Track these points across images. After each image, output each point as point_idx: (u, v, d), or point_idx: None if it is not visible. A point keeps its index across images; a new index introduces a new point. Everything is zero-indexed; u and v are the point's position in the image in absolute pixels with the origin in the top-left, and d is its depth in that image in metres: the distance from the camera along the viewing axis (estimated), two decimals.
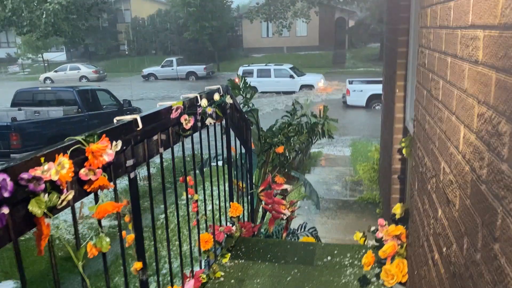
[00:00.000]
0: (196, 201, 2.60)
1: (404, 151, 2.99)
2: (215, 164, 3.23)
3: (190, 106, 2.48)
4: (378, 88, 17.51)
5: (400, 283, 2.41)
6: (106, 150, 1.55)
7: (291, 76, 22.35)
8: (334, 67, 32.08)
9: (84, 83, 30.28)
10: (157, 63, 32.52)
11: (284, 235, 4.12)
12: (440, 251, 1.44)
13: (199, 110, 2.53)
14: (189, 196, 2.54)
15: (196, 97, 2.59)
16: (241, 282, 2.84)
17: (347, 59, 34.43)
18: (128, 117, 1.92)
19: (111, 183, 1.63)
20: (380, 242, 2.87)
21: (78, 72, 32.05)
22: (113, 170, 1.70)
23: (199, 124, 2.58)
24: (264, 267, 3.02)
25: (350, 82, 17.91)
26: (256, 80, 21.59)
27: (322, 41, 37.74)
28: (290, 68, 22.95)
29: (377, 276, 2.89)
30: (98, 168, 1.54)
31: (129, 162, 1.86)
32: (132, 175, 1.89)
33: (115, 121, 1.87)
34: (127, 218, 1.93)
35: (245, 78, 3.91)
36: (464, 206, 1.14)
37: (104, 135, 1.57)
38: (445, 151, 1.38)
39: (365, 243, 3.42)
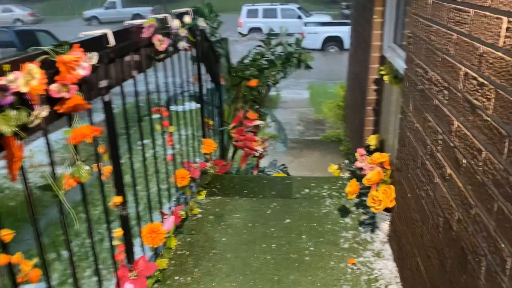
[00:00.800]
0: (171, 133, 2.40)
1: (386, 78, 2.90)
2: (185, 99, 2.99)
3: (161, 28, 2.22)
4: (333, 31, 17.35)
5: (386, 209, 2.39)
6: (81, 63, 1.30)
7: (299, 17, 20.45)
8: None
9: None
10: (99, 5, 30.34)
11: (255, 172, 4.04)
12: (455, 165, 1.36)
13: (172, 31, 2.27)
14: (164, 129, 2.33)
15: (167, 17, 2.32)
16: (220, 217, 2.74)
17: (299, 1, 33.77)
18: (97, 32, 1.65)
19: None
20: (359, 171, 2.84)
21: (11, 14, 29.36)
22: (86, 90, 1.46)
23: (170, 49, 2.33)
24: (242, 202, 2.92)
25: (305, 25, 17.62)
26: (261, 21, 20.30)
27: None
28: (298, 8, 21.45)
29: (357, 205, 2.88)
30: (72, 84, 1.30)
31: (103, 83, 1.62)
32: (106, 98, 1.66)
33: (80, 35, 1.60)
34: (102, 149, 1.71)
35: (211, 5, 3.60)
36: (506, 106, 1.03)
37: (77, 45, 1.32)
38: (471, 53, 1.26)
39: (340, 175, 3.40)
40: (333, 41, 17.20)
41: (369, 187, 2.54)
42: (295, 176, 3.27)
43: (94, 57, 1.39)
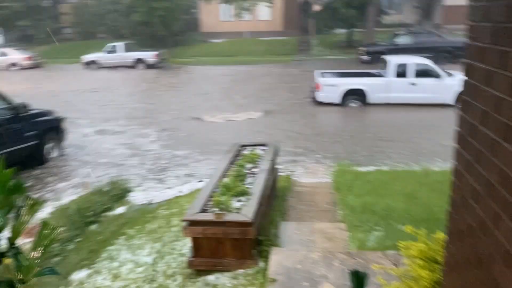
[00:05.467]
0: None
1: None
2: None
3: None
4: (355, 83, 14.35)
5: None
6: None
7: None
8: (299, 54, 29.16)
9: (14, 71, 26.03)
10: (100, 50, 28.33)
11: None
12: None
13: None
14: None
15: None
16: None
17: (313, 46, 31.54)
18: None
19: None
20: None
21: (6, 58, 27.54)
22: None
23: None
24: None
25: (322, 75, 14.90)
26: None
27: (287, 26, 34.68)
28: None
29: None
30: None
31: None
32: None
33: None
34: None
35: None
36: None
37: None
38: None
39: None
40: (355, 94, 14.30)
41: None
42: None
43: None
